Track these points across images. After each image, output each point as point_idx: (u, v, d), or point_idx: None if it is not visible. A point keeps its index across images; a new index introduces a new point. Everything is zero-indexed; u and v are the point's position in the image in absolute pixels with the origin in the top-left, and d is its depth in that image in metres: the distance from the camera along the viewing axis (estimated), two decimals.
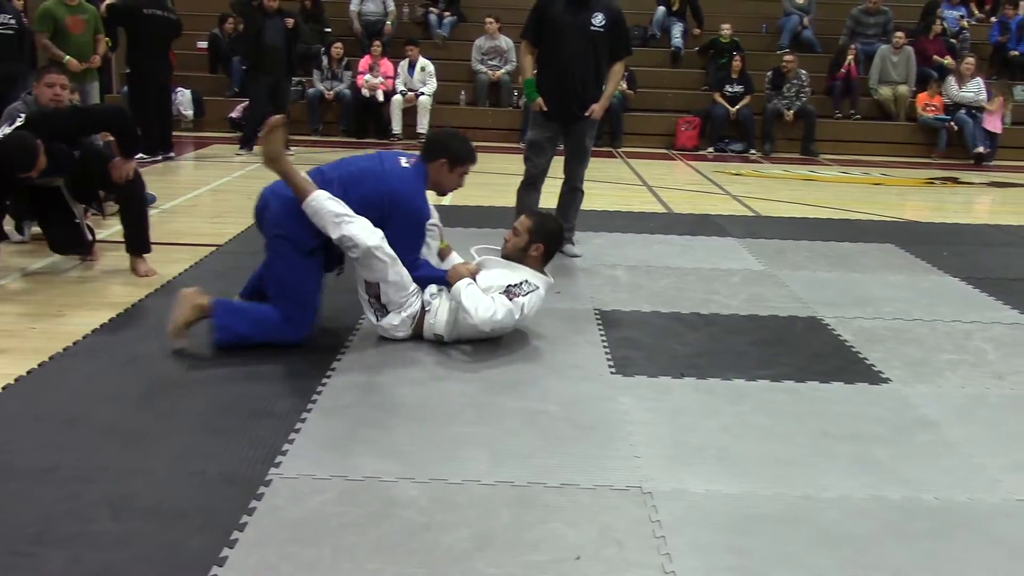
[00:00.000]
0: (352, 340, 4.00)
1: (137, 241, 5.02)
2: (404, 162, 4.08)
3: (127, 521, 2.44)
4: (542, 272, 4.13)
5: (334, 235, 3.72)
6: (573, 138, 5.70)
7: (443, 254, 4.35)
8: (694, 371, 3.79)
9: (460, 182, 4.21)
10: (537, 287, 4.00)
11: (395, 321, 3.93)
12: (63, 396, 3.28)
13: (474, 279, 3.98)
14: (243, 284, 4.87)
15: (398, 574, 2.26)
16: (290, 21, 10.19)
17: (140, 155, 9.33)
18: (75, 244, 5.10)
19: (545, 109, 5.56)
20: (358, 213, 3.75)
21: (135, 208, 5.03)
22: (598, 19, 5.46)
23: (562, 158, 5.83)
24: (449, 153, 4.10)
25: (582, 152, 5.74)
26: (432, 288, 4.01)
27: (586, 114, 5.58)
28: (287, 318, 3.83)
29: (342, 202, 3.75)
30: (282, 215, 3.84)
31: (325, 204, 3.73)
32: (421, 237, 4.08)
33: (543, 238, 4.11)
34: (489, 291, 3.92)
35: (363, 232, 3.72)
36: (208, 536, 2.38)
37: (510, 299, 3.89)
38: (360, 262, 3.81)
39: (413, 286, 3.93)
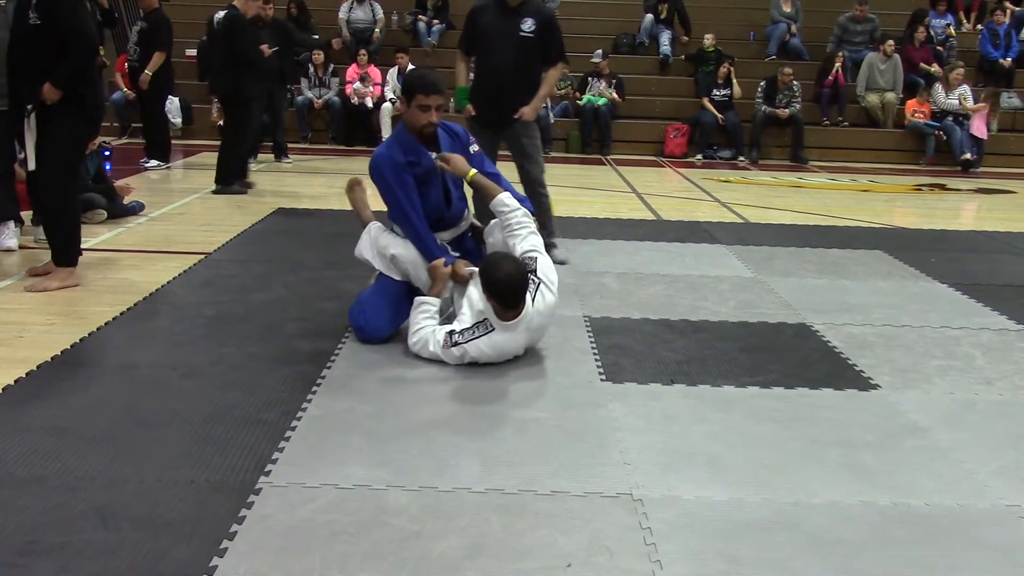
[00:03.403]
0: (341, 348, 3.99)
1: (53, 250, 4.90)
2: None
3: (116, 531, 2.43)
4: (508, 318, 3.76)
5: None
6: (511, 141, 5.67)
7: (482, 189, 4.16)
8: (684, 378, 3.79)
9: (423, 117, 4.01)
10: (491, 329, 3.75)
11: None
12: (51, 405, 3.26)
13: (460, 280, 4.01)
14: (231, 291, 4.87)
15: None
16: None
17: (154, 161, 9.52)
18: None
19: (473, 114, 5.60)
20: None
21: (50, 217, 4.97)
22: (527, 24, 5.48)
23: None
24: (403, 88, 4.11)
25: (525, 154, 5.67)
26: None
27: (515, 116, 5.55)
28: None
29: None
30: None
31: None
32: (393, 182, 4.04)
33: (487, 289, 3.75)
34: (461, 316, 3.89)
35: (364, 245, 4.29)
36: (197, 545, 2.37)
37: (443, 346, 3.78)
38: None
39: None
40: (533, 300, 3.81)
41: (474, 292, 3.92)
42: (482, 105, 5.60)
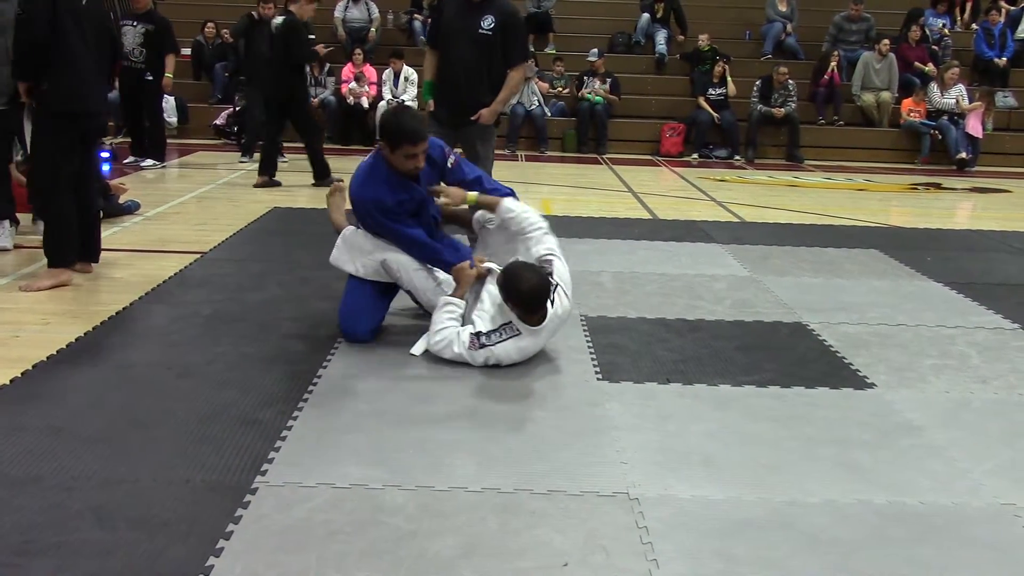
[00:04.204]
0: (337, 347, 3.99)
1: (44, 251, 4.90)
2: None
3: (112, 530, 2.43)
4: (534, 323, 3.77)
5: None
6: (465, 142, 5.58)
7: (486, 205, 4.15)
8: (680, 377, 3.80)
9: (408, 164, 3.89)
10: (518, 333, 3.76)
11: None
12: (46, 405, 3.25)
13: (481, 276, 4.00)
14: (226, 290, 4.87)
15: None
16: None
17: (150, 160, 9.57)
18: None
19: (431, 110, 5.57)
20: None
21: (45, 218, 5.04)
22: (487, 22, 5.41)
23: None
24: (384, 135, 3.95)
25: (476, 157, 5.51)
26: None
27: (472, 118, 5.51)
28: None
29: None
30: None
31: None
32: (386, 221, 3.97)
33: (510, 298, 3.75)
34: (480, 314, 3.87)
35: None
36: (194, 545, 2.37)
37: (469, 347, 3.75)
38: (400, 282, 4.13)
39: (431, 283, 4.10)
40: (552, 303, 3.82)
41: (493, 290, 3.91)
42: (441, 102, 5.58)
